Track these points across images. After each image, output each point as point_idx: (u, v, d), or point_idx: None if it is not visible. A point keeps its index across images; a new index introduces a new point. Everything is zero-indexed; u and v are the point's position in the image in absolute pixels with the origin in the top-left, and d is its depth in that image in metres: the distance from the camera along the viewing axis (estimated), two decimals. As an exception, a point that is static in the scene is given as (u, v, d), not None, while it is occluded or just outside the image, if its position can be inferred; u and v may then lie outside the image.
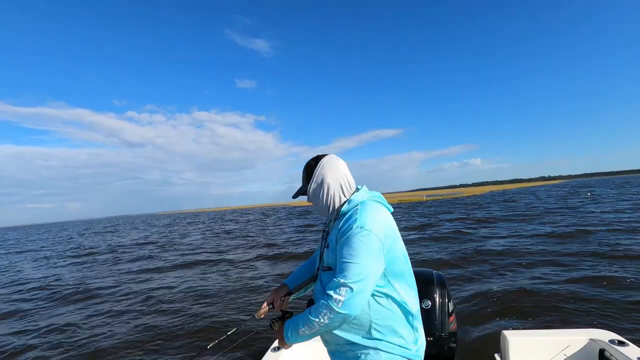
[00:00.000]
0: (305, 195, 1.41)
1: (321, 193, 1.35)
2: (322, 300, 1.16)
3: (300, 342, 1.27)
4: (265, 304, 1.48)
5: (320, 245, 1.44)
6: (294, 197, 1.45)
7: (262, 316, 1.48)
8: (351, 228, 1.19)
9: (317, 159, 1.39)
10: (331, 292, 1.13)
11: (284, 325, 1.29)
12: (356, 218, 1.20)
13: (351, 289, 1.11)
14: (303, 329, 1.21)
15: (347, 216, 1.26)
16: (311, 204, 1.41)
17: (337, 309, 1.11)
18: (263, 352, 2.17)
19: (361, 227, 1.17)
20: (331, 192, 1.34)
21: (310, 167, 1.37)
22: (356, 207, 1.26)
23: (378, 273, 1.18)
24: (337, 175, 1.34)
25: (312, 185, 1.35)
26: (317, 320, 1.16)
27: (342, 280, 1.13)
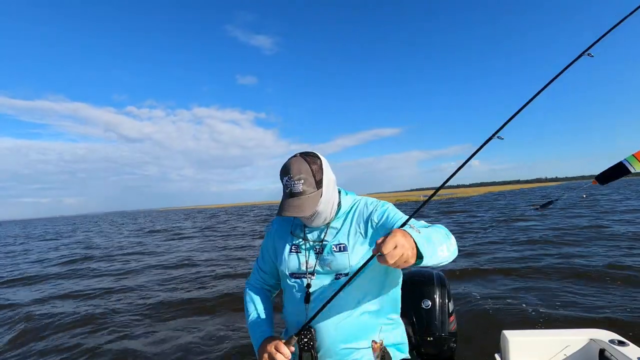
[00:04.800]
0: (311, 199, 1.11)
1: (333, 193, 1.19)
2: (439, 227, 1.03)
3: (430, 260, 0.90)
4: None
5: (304, 257, 1.20)
6: (307, 213, 1.09)
7: None
8: (375, 203, 1.22)
9: (313, 154, 1.15)
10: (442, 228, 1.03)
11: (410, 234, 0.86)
12: (370, 200, 1.25)
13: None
14: (441, 247, 0.94)
15: (355, 205, 1.24)
16: (307, 213, 1.09)
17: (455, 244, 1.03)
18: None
19: (385, 202, 1.22)
20: (335, 192, 1.22)
21: (317, 164, 1.12)
22: (359, 201, 1.27)
23: None
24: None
25: (325, 182, 1.14)
26: (447, 243, 0.98)
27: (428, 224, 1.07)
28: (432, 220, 16.57)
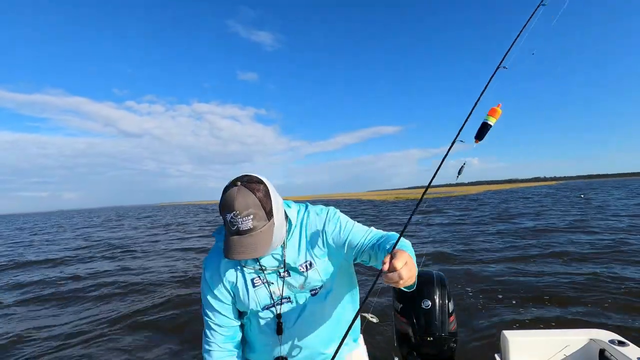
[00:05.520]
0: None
1: (282, 217, 1.04)
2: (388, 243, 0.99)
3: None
4: None
5: (271, 286, 1.11)
6: (264, 252, 0.94)
7: None
8: (324, 212, 1.17)
9: (256, 179, 0.97)
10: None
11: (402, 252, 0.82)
12: (317, 209, 1.19)
13: None
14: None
15: (303, 217, 1.16)
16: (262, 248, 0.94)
17: None
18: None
19: (333, 209, 1.18)
20: (283, 213, 1.07)
21: (261, 190, 0.94)
22: (306, 211, 1.18)
23: None
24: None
25: (275, 209, 0.97)
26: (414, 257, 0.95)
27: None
28: (429, 219, 16.59)
